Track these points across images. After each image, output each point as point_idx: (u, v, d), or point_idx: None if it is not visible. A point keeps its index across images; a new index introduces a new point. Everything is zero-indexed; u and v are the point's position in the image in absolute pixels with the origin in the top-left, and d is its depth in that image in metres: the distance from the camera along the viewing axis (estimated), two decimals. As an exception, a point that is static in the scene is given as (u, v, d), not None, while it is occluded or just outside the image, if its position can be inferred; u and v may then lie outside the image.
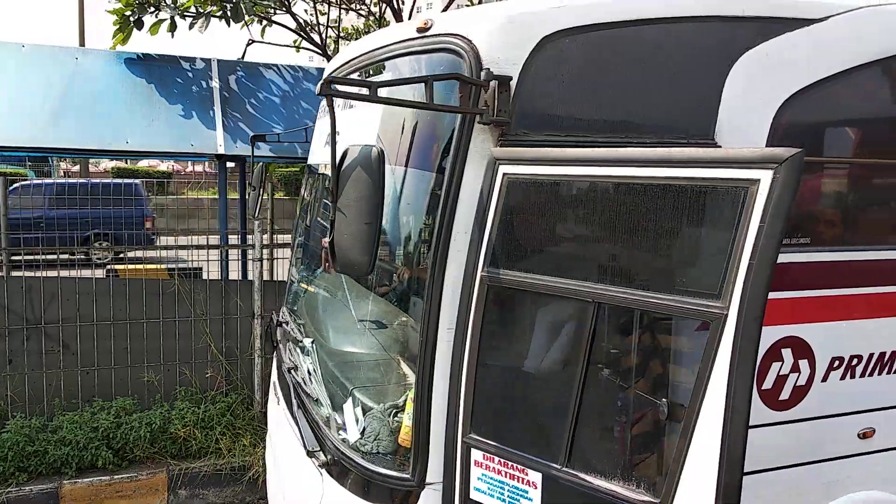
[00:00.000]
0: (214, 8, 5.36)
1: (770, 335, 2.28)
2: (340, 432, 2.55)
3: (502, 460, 2.07)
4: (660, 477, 1.82)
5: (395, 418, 2.37)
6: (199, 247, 5.07)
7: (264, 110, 5.22)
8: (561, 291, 1.96)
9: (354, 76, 2.75)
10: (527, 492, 2.04)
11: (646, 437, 2.07)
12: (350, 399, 2.57)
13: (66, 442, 4.19)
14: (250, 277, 5.01)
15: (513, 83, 2.08)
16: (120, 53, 5.27)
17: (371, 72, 2.81)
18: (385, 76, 2.63)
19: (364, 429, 2.43)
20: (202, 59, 5.45)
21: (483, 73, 2.10)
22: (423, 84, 2.02)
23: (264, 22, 6.65)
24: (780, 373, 2.35)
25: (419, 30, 2.38)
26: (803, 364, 2.38)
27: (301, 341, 3.22)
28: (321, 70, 6.04)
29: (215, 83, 5.24)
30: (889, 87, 2.76)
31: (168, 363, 4.75)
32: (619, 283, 1.85)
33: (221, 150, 4.79)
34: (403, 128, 2.41)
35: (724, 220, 1.62)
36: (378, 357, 2.77)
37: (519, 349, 2.25)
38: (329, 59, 6.65)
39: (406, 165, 2.41)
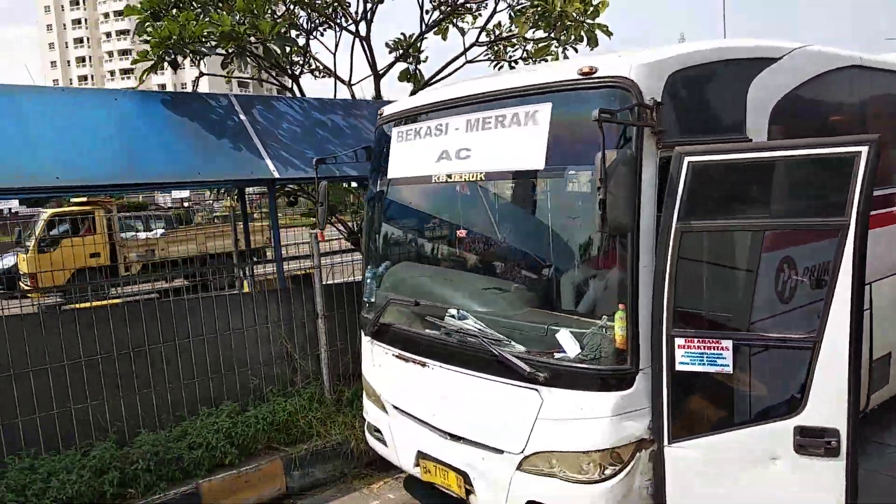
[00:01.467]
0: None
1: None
2: (557, 355, 3.61)
3: (700, 339, 3.35)
4: (811, 322, 3.25)
5: (608, 332, 3.51)
6: (267, 261, 5.63)
7: (291, 138, 5.87)
8: (733, 227, 3.33)
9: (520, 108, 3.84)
10: (721, 354, 3.34)
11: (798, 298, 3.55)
12: (562, 331, 3.63)
13: (197, 445, 4.61)
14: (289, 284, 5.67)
15: (647, 113, 3.37)
16: (153, 93, 5.58)
17: (513, 118, 3.91)
18: (554, 106, 3.73)
19: (583, 345, 3.54)
20: (222, 96, 5.93)
21: (649, 101, 3.39)
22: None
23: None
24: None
25: (584, 73, 3.57)
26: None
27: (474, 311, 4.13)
28: (322, 100, 6.82)
29: (243, 117, 5.78)
30: (816, 94, 4.54)
31: (254, 366, 5.28)
32: (774, 216, 3.28)
33: (277, 175, 5.42)
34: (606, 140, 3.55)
35: (842, 175, 3.07)
36: (583, 298, 3.81)
37: (701, 271, 3.56)
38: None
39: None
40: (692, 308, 3.48)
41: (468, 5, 7.82)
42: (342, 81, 7.81)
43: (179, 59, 5.56)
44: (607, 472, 3.57)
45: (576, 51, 7.35)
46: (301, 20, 7.25)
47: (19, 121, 4.72)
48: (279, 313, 5.45)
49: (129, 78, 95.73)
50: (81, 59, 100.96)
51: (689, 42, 4.10)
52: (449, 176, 4.37)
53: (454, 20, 7.88)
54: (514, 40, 7.78)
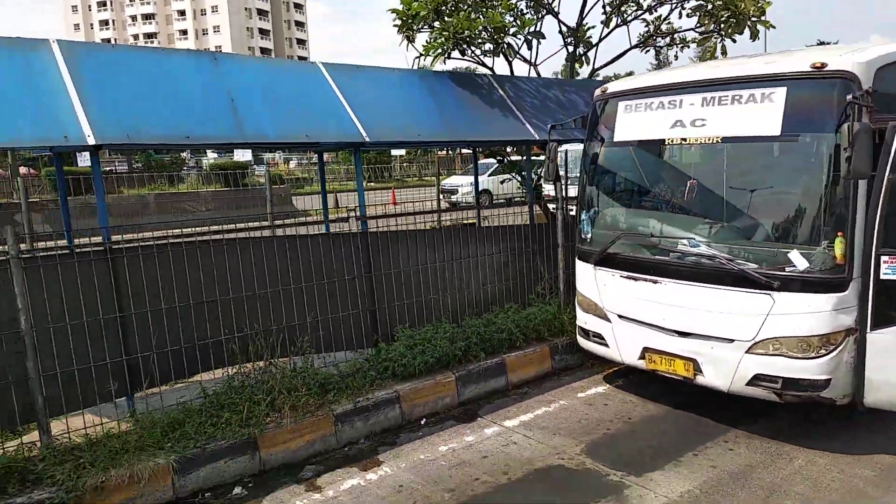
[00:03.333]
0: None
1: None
2: (788, 268, 5.14)
3: (903, 256, 4.78)
4: None
5: (830, 251, 5.00)
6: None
7: (533, 108, 7.59)
8: None
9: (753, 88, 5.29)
10: (917, 263, 4.75)
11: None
12: (794, 251, 5.15)
13: (499, 331, 6.56)
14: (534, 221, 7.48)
15: (864, 98, 4.71)
16: (430, 73, 7.51)
17: (752, 97, 5.36)
18: (788, 90, 5.16)
19: (811, 261, 5.05)
20: (482, 76, 7.74)
21: (867, 88, 4.75)
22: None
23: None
24: None
25: (816, 67, 4.98)
26: None
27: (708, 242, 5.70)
28: (546, 79, 8.51)
29: (501, 92, 7.56)
30: None
31: (520, 278, 7.21)
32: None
33: (536, 137, 7.18)
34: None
35: None
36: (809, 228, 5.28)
37: None
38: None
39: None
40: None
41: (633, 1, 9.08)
42: (529, 63, 9.36)
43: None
44: (821, 351, 5.08)
45: (734, 41, 8.59)
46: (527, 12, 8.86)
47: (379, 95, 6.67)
48: (533, 242, 7.32)
49: (152, 42, 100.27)
50: (105, 23, 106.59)
51: (887, 44, 5.35)
52: (684, 139, 5.88)
53: (622, 14, 9.17)
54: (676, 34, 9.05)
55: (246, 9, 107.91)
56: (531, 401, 6.10)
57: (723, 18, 8.00)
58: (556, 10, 8.88)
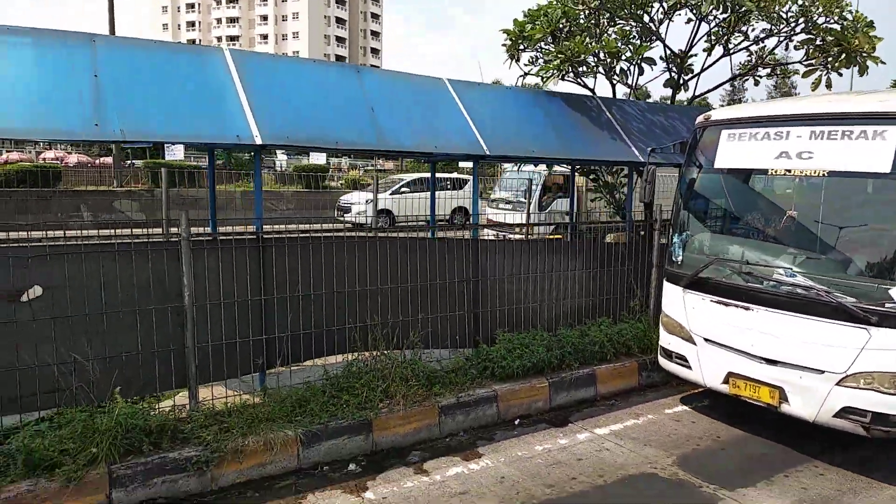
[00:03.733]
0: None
1: None
2: (887, 304, 5.28)
3: None
4: None
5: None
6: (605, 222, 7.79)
7: (637, 132, 7.89)
8: None
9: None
10: None
11: None
12: (894, 289, 5.29)
13: (592, 343, 6.86)
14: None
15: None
16: (542, 92, 7.93)
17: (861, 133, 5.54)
18: (883, 137, 5.33)
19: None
20: (590, 98, 8.10)
21: None
22: None
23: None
24: None
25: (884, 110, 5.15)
26: None
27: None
28: (649, 103, 8.80)
29: (608, 115, 7.90)
30: None
31: (612, 295, 7.51)
32: None
33: (641, 159, 7.47)
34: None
35: None
36: None
37: None
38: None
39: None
40: None
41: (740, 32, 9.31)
42: (629, 86, 9.67)
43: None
44: None
45: (840, 74, 8.70)
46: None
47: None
48: (627, 260, 7.60)
49: (234, 44, 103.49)
50: (191, 24, 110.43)
51: None
52: (788, 170, 6.05)
53: (726, 45, 9.41)
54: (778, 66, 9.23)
55: (325, 17, 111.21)
56: (619, 412, 6.37)
57: (833, 53, 8.16)
58: (664, 37, 9.19)
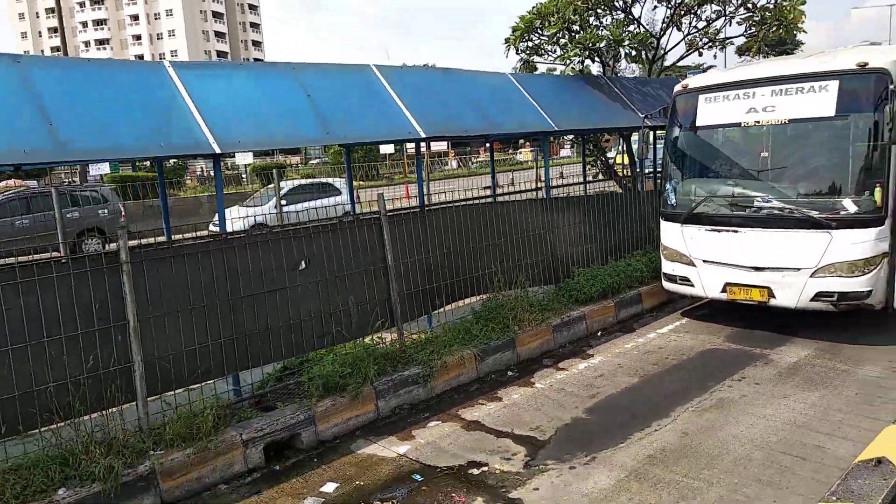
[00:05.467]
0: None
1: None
2: (841, 212, 7.71)
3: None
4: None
5: (872, 197, 7.57)
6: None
7: (633, 101, 10.11)
8: None
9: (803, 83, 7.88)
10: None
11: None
12: (847, 199, 7.71)
13: (637, 270, 9.03)
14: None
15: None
16: (571, 76, 10.00)
17: (811, 88, 7.93)
18: (840, 82, 7.72)
19: (859, 205, 7.61)
20: (602, 77, 10.25)
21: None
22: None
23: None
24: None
25: (860, 65, 7.55)
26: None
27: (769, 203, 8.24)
28: (636, 78, 11.08)
29: (616, 90, 10.06)
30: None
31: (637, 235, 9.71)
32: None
33: (649, 123, 9.64)
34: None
35: None
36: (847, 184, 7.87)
37: None
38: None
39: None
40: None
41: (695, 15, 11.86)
42: (606, 65, 11.96)
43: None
44: (866, 270, 7.61)
45: (770, 46, 11.41)
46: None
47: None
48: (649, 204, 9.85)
49: (104, 49, 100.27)
50: (53, 29, 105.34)
51: None
52: (758, 122, 8.29)
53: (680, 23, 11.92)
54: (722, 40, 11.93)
55: (201, 12, 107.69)
56: (665, 318, 8.65)
57: (773, 26, 10.77)
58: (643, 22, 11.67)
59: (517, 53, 11.04)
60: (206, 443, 4.94)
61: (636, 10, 11.56)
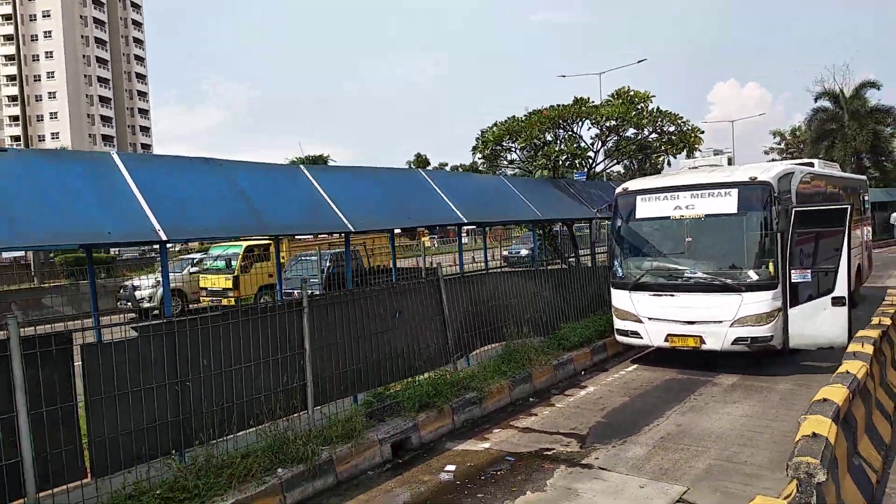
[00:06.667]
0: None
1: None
2: (748, 280, 10.69)
3: (800, 270, 10.55)
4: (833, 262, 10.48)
5: (768, 269, 10.62)
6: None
7: (589, 198, 12.94)
8: (807, 233, 10.57)
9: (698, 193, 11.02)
10: (805, 275, 10.57)
11: (822, 257, 10.79)
12: (751, 271, 10.72)
13: (602, 324, 11.51)
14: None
15: (776, 194, 10.58)
16: (541, 180, 12.63)
17: (719, 193, 11.09)
18: (739, 190, 10.89)
19: (759, 275, 10.64)
20: (560, 179, 12.97)
21: (777, 190, 10.63)
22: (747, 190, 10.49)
23: None
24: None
25: (751, 178, 10.80)
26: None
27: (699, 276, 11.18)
28: (593, 181, 14.02)
29: (572, 190, 12.81)
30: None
31: (595, 302, 12.27)
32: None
33: (594, 214, 12.43)
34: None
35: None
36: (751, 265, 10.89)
37: (808, 248, 10.77)
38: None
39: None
40: (799, 260, 10.65)
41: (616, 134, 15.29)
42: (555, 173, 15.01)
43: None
44: (768, 320, 10.58)
45: (675, 157, 15.00)
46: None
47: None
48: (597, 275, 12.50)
49: None
50: None
51: (782, 164, 11.33)
52: (682, 215, 11.43)
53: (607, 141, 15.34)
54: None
55: (87, 96, 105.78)
56: (625, 362, 11.19)
57: (678, 145, 14.21)
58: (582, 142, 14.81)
59: (481, 158, 13.82)
60: (358, 440, 6.69)
61: (576, 129, 14.57)
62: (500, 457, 7.03)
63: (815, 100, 41.62)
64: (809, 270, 10.33)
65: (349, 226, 7.64)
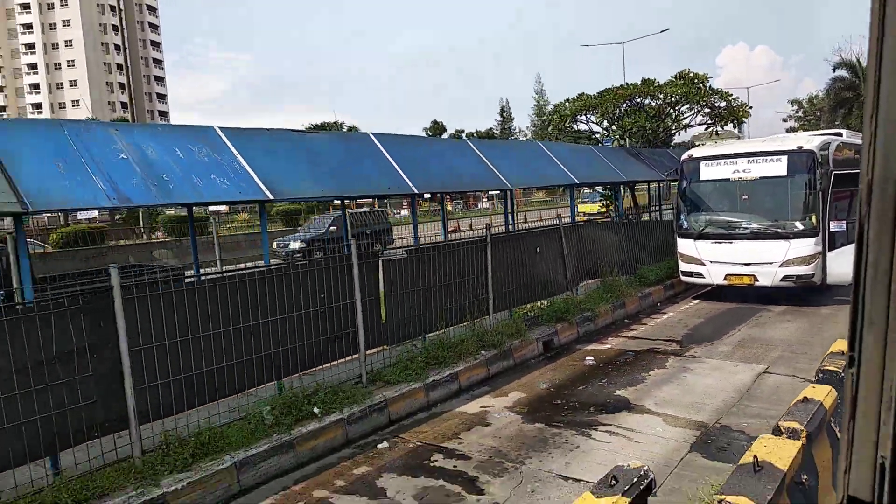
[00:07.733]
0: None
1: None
2: (794, 229, 13.07)
3: (837, 221, 12.92)
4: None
5: (811, 221, 12.98)
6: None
7: (657, 163, 15.23)
8: (843, 192, 12.90)
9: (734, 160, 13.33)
10: (842, 225, 12.94)
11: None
12: (797, 222, 13.08)
13: (662, 270, 13.93)
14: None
15: (820, 160, 12.90)
16: (612, 147, 14.92)
17: (772, 159, 13.42)
18: (788, 157, 13.19)
19: (805, 226, 13.01)
20: (633, 148, 15.22)
21: (819, 156, 12.96)
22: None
23: None
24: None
25: (798, 147, 13.15)
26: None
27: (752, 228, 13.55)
28: (659, 149, 16.35)
29: (643, 157, 15.11)
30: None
31: (648, 251, 14.67)
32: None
33: (662, 177, 14.72)
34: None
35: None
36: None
37: (839, 205, 13.12)
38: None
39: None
40: (836, 213, 12.99)
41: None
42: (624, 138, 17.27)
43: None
44: (811, 262, 13.00)
45: (722, 128, 17.23)
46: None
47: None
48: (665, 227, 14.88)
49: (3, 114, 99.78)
50: None
51: (826, 134, 13.64)
52: (739, 178, 13.79)
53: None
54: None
55: (105, 63, 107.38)
56: (690, 297, 13.60)
57: (728, 118, 16.54)
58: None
59: (561, 126, 16.13)
60: (524, 337, 9.18)
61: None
62: (623, 351, 9.53)
63: (834, 69, 43.28)
64: (844, 221, 12.70)
65: (507, 183, 10.11)
